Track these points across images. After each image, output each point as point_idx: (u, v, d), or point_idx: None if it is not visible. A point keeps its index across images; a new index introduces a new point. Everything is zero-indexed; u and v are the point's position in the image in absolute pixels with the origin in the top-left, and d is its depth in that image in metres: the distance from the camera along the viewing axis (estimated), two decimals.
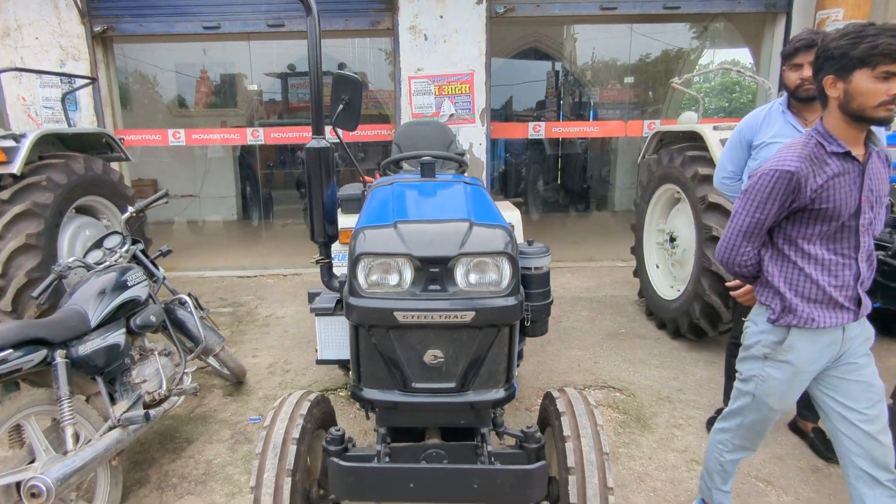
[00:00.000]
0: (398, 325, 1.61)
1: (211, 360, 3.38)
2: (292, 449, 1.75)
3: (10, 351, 2.00)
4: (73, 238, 3.91)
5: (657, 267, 4.73)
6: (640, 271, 4.90)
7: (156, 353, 2.84)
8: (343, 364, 2.49)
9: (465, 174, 2.74)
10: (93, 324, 2.46)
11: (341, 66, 10.77)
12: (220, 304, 5.45)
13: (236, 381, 3.63)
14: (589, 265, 6.69)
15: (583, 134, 6.72)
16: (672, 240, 4.32)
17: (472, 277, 1.62)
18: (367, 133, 6.49)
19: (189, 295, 3.37)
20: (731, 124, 3.73)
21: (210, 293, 5.79)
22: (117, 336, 2.56)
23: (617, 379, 3.67)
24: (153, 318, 2.83)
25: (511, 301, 1.62)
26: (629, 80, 8.15)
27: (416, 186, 2.26)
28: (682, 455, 2.82)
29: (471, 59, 6.01)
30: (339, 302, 2.39)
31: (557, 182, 12.21)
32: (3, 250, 3.33)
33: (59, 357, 2.21)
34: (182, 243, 8.40)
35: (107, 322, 2.56)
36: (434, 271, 1.58)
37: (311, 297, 2.55)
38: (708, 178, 3.73)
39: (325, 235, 2.11)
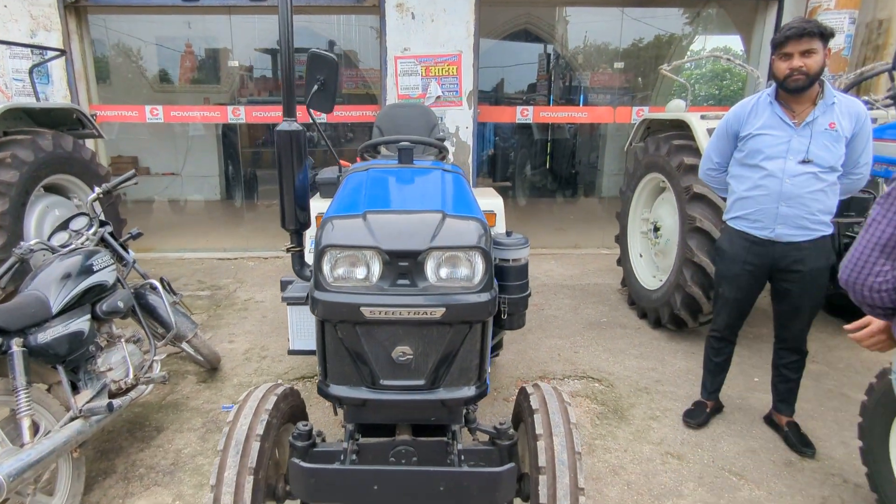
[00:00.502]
0: (365, 321, 1.54)
1: (184, 345, 3.29)
2: (255, 446, 1.69)
3: None
4: (41, 218, 3.78)
5: (640, 256, 4.70)
6: (623, 260, 4.88)
7: (123, 340, 2.75)
8: (314, 354, 2.43)
9: (446, 160, 2.65)
10: (54, 310, 2.36)
11: (331, 44, 10.52)
12: (198, 286, 5.34)
13: (210, 368, 3.56)
14: (574, 252, 6.66)
15: (571, 119, 6.64)
16: (656, 229, 4.29)
17: (443, 272, 1.55)
18: (353, 114, 6.35)
19: (161, 280, 3.28)
20: (718, 114, 3.67)
21: (188, 275, 5.68)
22: (81, 323, 2.47)
23: (596, 369, 3.66)
24: (121, 304, 2.74)
25: (483, 297, 1.56)
26: (619, 65, 8.04)
27: (392, 173, 2.18)
28: (657, 447, 2.81)
29: (458, 40, 5.86)
30: None
31: (546, 167, 12.13)
32: None
33: (16, 345, 2.12)
34: (162, 223, 8.24)
35: (70, 308, 2.47)
36: (403, 265, 1.51)
37: (284, 285, 2.47)
38: (693, 168, 3.67)
39: (297, 223, 2.03)
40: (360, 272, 1.54)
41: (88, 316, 2.55)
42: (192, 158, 10.07)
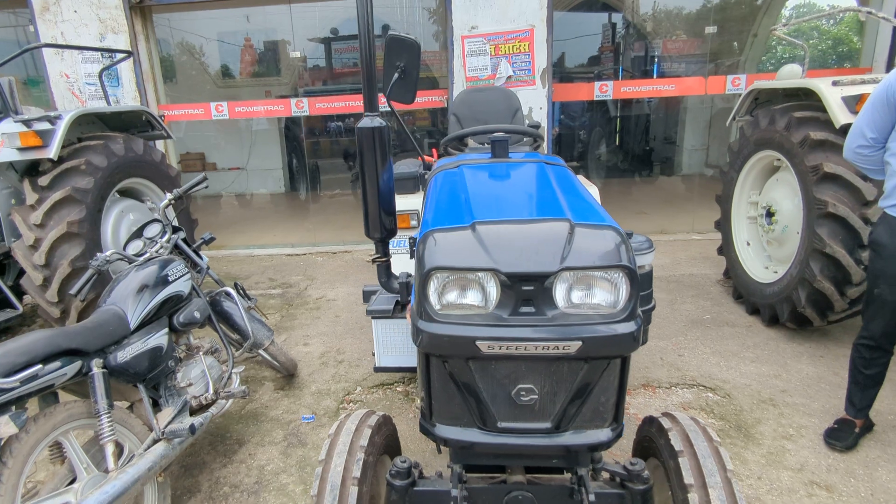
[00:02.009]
0: (481, 357, 1.30)
1: (262, 352, 3.20)
2: (353, 491, 1.50)
3: (40, 367, 1.82)
4: (117, 223, 3.80)
5: (748, 244, 4.22)
6: (726, 248, 4.41)
7: (201, 352, 2.66)
8: (404, 372, 2.23)
9: (540, 150, 2.35)
10: (132, 325, 2.28)
11: (385, 28, 10.35)
12: (270, 284, 5.33)
13: (287, 374, 3.46)
14: (661, 238, 6.17)
15: (656, 93, 6.11)
16: (770, 214, 3.80)
17: (577, 296, 1.28)
18: (418, 100, 6.09)
19: (235, 285, 3.19)
20: (857, 78, 3.15)
21: (259, 273, 5.69)
22: (160, 337, 2.38)
23: (707, 376, 3.28)
24: (197, 315, 2.65)
25: (628, 326, 1.27)
26: (711, 29, 7.32)
27: (488, 169, 1.91)
28: (798, 475, 2.43)
29: (531, 13, 5.48)
30: (398, 303, 2.11)
31: (616, 144, 11.49)
32: (45, 239, 3.22)
33: (96, 367, 2.03)
34: (230, 219, 8.40)
35: (148, 322, 2.39)
36: (527, 290, 1.24)
37: (367, 295, 2.28)
38: (822, 144, 3.19)
39: (382, 230, 1.81)
40: (474, 298, 1.30)
41: (166, 329, 2.47)
42: (256, 152, 10.24)
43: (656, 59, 10.81)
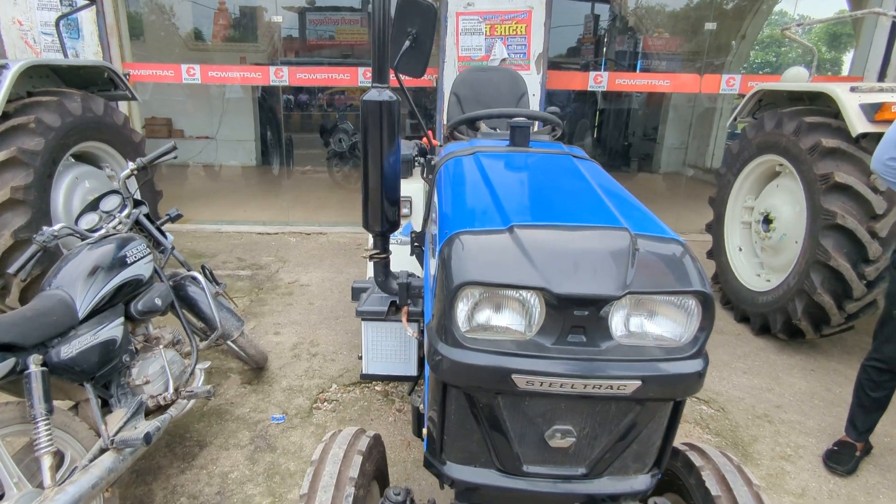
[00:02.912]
0: (515, 393, 1.06)
1: (229, 343, 2.91)
2: None
3: None
4: (70, 191, 3.40)
5: (739, 250, 4.10)
6: (716, 252, 4.29)
7: (161, 345, 2.35)
8: (394, 380, 1.99)
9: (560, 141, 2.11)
10: (81, 314, 1.96)
11: (365, 2, 9.88)
12: (238, 265, 4.98)
13: (256, 367, 3.18)
14: None
15: (650, 87, 5.95)
16: (768, 221, 3.68)
17: (636, 323, 1.06)
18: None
19: (203, 268, 2.88)
20: (875, 85, 3.02)
21: (227, 251, 5.32)
22: (113, 328, 2.07)
23: None
24: (159, 302, 2.34)
25: (696, 365, 1.06)
26: (710, 25, 7.16)
27: (510, 160, 1.67)
28: (799, 501, 2.31)
29: None
30: (392, 304, 1.86)
31: (594, 138, 11.38)
32: None
33: (34, 365, 1.72)
34: (197, 191, 7.92)
35: (100, 310, 2.07)
36: (580, 315, 1.01)
37: (356, 292, 2.02)
38: (833, 152, 3.06)
39: (384, 222, 1.55)
40: (512, 320, 1.06)
41: (122, 318, 2.15)
42: (227, 121, 9.70)
43: (639, 55, 10.71)
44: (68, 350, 1.86)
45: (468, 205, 1.32)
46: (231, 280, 4.58)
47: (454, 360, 1.05)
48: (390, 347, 1.90)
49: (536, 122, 2.47)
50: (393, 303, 1.84)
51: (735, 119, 4.22)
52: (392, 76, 1.58)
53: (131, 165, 2.50)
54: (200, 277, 2.64)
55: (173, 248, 2.72)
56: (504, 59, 5.30)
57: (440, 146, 2.16)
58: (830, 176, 3.00)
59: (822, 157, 3.09)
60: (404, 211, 2.68)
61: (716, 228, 4.31)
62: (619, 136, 11.57)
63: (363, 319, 1.89)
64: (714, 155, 10.41)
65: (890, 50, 5.42)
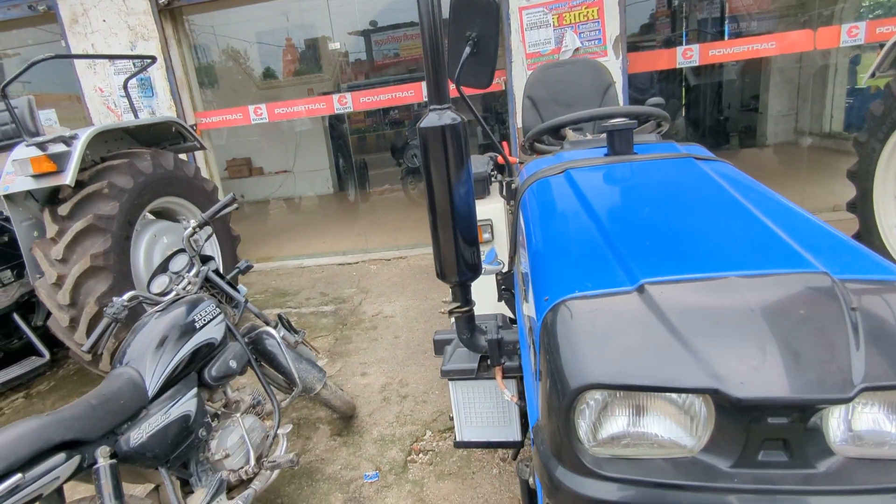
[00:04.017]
0: None
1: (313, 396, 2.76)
2: None
3: (20, 476, 1.40)
4: (150, 249, 3.45)
5: None
6: (866, 235, 3.61)
7: (240, 412, 2.23)
8: (493, 447, 1.71)
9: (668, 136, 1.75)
10: (151, 392, 1.86)
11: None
12: (321, 300, 4.93)
13: (345, 416, 3.01)
14: None
15: (752, 53, 5.27)
16: None
17: (866, 422, 0.70)
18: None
19: (279, 317, 2.77)
20: None
21: (310, 287, 5.31)
22: (186, 403, 1.96)
23: None
24: (234, 364, 2.23)
25: None
26: None
27: (614, 176, 1.34)
28: None
29: None
30: (483, 360, 1.58)
31: (685, 116, 10.52)
32: (68, 276, 2.89)
33: (102, 458, 1.61)
34: (278, 226, 8.13)
35: (172, 383, 1.97)
36: (777, 423, 0.66)
37: (439, 346, 1.76)
38: None
39: (462, 270, 1.28)
40: (665, 429, 0.74)
41: (195, 389, 2.04)
42: (301, 153, 9.99)
43: (725, 20, 9.80)
44: (139, 435, 1.75)
45: (570, 251, 1.01)
46: (315, 318, 4.53)
47: (579, 495, 0.73)
48: (486, 409, 1.62)
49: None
50: (483, 357, 1.56)
51: (874, 74, 3.54)
52: (452, 88, 1.31)
53: (192, 223, 2.42)
54: (274, 333, 2.50)
55: (247, 301, 2.62)
56: (577, 49, 4.90)
57: (519, 163, 1.86)
58: None
59: None
60: (485, 236, 2.40)
61: (862, 207, 3.63)
62: (713, 112, 10.65)
63: (450, 380, 1.63)
64: (833, 117, 9.26)
65: None
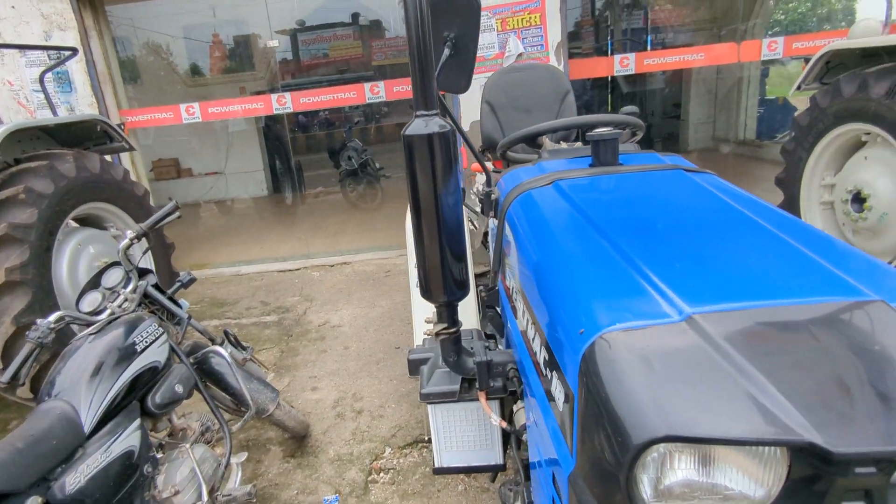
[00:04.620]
0: None
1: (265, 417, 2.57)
2: None
3: None
4: (74, 260, 3.10)
5: None
6: None
7: (189, 442, 2.02)
8: (474, 472, 1.62)
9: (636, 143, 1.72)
10: (87, 428, 1.64)
11: (355, 16, 9.64)
12: (263, 310, 4.67)
13: (298, 436, 2.83)
14: None
15: (683, 64, 5.50)
16: (859, 199, 3.22)
17: None
18: (405, 89, 5.43)
19: (225, 334, 2.56)
20: None
21: (250, 296, 5.02)
22: (130, 436, 1.75)
23: None
24: (180, 389, 2.02)
25: None
26: None
27: (610, 188, 1.28)
28: None
29: None
30: (465, 381, 1.49)
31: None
32: None
33: None
34: (211, 231, 7.68)
35: (111, 415, 1.75)
36: (865, 474, 0.61)
37: (414, 365, 1.65)
38: None
39: (451, 289, 1.18)
40: (732, 480, 0.67)
41: (138, 420, 1.83)
42: (234, 154, 9.51)
43: (647, 31, 10.26)
44: (75, 479, 1.52)
45: (591, 275, 0.94)
46: (257, 329, 4.27)
47: None
48: (467, 433, 1.53)
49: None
50: (465, 379, 1.47)
51: (799, 87, 3.76)
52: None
53: (130, 234, 2.17)
54: (223, 352, 2.30)
55: (190, 317, 2.39)
56: (521, 54, 4.92)
57: (495, 171, 1.78)
58: None
59: None
60: None
61: (789, 212, 3.84)
62: (640, 118, 11.12)
63: (429, 403, 1.53)
64: (746, 126, 9.88)
65: None
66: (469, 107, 5.12)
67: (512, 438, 1.54)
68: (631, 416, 0.65)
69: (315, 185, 9.44)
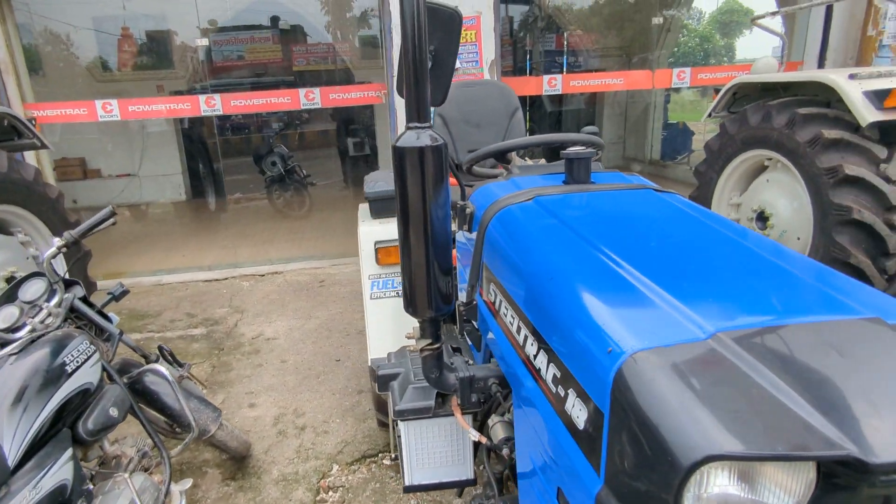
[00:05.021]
0: None
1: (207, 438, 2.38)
2: None
3: None
4: None
5: None
6: None
7: (126, 469, 1.82)
8: (444, 488, 1.59)
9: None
10: (11, 462, 1.44)
11: (275, 19, 9.34)
12: (189, 322, 4.35)
13: (238, 456, 2.65)
14: None
15: (605, 87, 5.81)
16: (763, 218, 3.54)
17: None
18: (349, 96, 5.34)
19: (160, 350, 2.36)
20: (874, 71, 2.90)
21: (173, 307, 4.67)
22: (61, 469, 1.55)
23: None
24: (114, 413, 1.83)
25: None
26: (656, 20, 7.14)
27: (593, 206, 1.31)
28: None
29: (476, 0, 4.91)
30: (440, 395, 1.46)
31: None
32: None
33: None
34: (126, 237, 7.07)
35: (39, 446, 1.55)
36: (887, 481, 0.65)
37: (383, 381, 1.59)
38: (837, 143, 2.92)
39: (437, 303, 1.16)
40: (768, 495, 0.69)
41: (70, 450, 1.63)
42: (149, 155, 8.85)
43: (565, 54, 10.76)
44: None
45: (604, 295, 0.94)
46: (184, 343, 3.97)
47: None
48: (440, 449, 1.49)
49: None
50: (439, 394, 1.44)
51: (710, 115, 4.08)
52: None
53: (57, 242, 1.95)
54: (162, 370, 2.11)
55: (122, 333, 2.18)
56: (457, 70, 4.97)
57: (467, 185, 1.77)
58: (839, 168, 2.85)
59: (824, 149, 2.95)
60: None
61: None
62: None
63: (402, 420, 1.48)
64: (653, 147, 10.59)
65: (827, 35, 5.53)
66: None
67: (483, 452, 1.52)
68: (677, 437, 0.66)
69: (238, 190, 8.99)
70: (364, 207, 2.59)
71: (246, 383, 3.39)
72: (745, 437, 0.63)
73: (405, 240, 1.13)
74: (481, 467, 1.55)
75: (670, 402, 0.68)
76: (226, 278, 5.32)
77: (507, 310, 1.22)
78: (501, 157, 1.65)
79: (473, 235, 1.48)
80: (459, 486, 1.56)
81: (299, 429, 2.91)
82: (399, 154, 1.08)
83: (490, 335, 1.36)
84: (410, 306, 1.18)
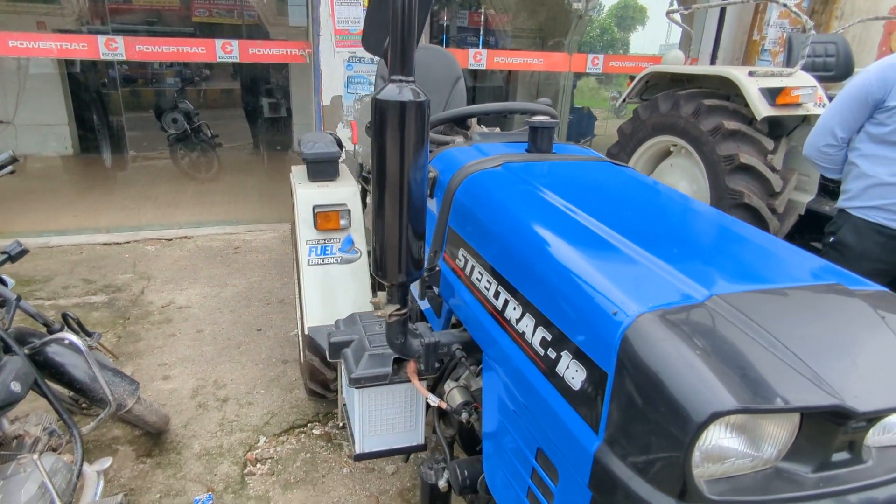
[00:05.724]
0: None
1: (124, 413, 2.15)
2: None
3: None
4: None
5: None
6: None
7: (35, 451, 1.60)
8: (394, 455, 1.55)
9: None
10: None
11: None
12: (87, 289, 3.90)
13: (155, 431, 2.43)
14: None
15: (526, 66, 5.86)
16: None
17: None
18: (275, 51, 4.96)
19: (64, 317, 2.10)
20: (771, 70, 3.15)
21: (66, 272, 4.15)
22: None
23: None
24: (16, 387, 1.60)
25: None
26: (578, 5, 7.26)
27: (561, 174, 1.30)
28: None
29: None
30: (396, 361, 1.42)
31: None
32: None
33: None
34: (4, 191, 6.15)
35: None
36: (858, 428, 0.70)
37: (336, 349, 1.50)
38: (734, 134, 3.17)
39: (409, 268, 1.11)
40: (750, 444, 0.72)
41: None
42: (27, 101, 7.69)
43: (481, 33, 10.78)
44: None
45: (597, 259, 0.93)
46: (83, 311, 3.55)
47: None
48: (392, 415, 1.45)
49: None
50: (397, 359, 1.39)
51: (624, 101, 4.26)
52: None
53: None
54: (74, 339, 1.86)
55: (19, 298, 1.90)
56: None
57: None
58: (735, 157, 3.10)
59: (724, 138, 3.19)
60: (342, 222, 2.17)
61: None
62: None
63: (357, 387, 1.41)
64: (560, 129, 10.97)
65: (720, 35, 5.96)
66: (332, 82, 4.85)
67: (436, 417, 1.51)
68: (687, 395, 0.68)
69: (136, 147, 8.12)
70: (299, 170, 2.42)
71: (158, 354, 3.11)
72: (750, 393, 0.67)
73: (380, 200, 1.06)
74: (431, 433, 1.53)
75: (678, 362, 0.70)
76: (128, 241, 4.81)
77: (480, 275, 1.19)
78: (461, 122, 1.59)
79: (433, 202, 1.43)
80: (410, 452, 1.53)
81: (221, 401, 2.73)
82: (380, 108, 1.01)
83: (455, 300, 1.32)
84: (381, 270, 1.11)
